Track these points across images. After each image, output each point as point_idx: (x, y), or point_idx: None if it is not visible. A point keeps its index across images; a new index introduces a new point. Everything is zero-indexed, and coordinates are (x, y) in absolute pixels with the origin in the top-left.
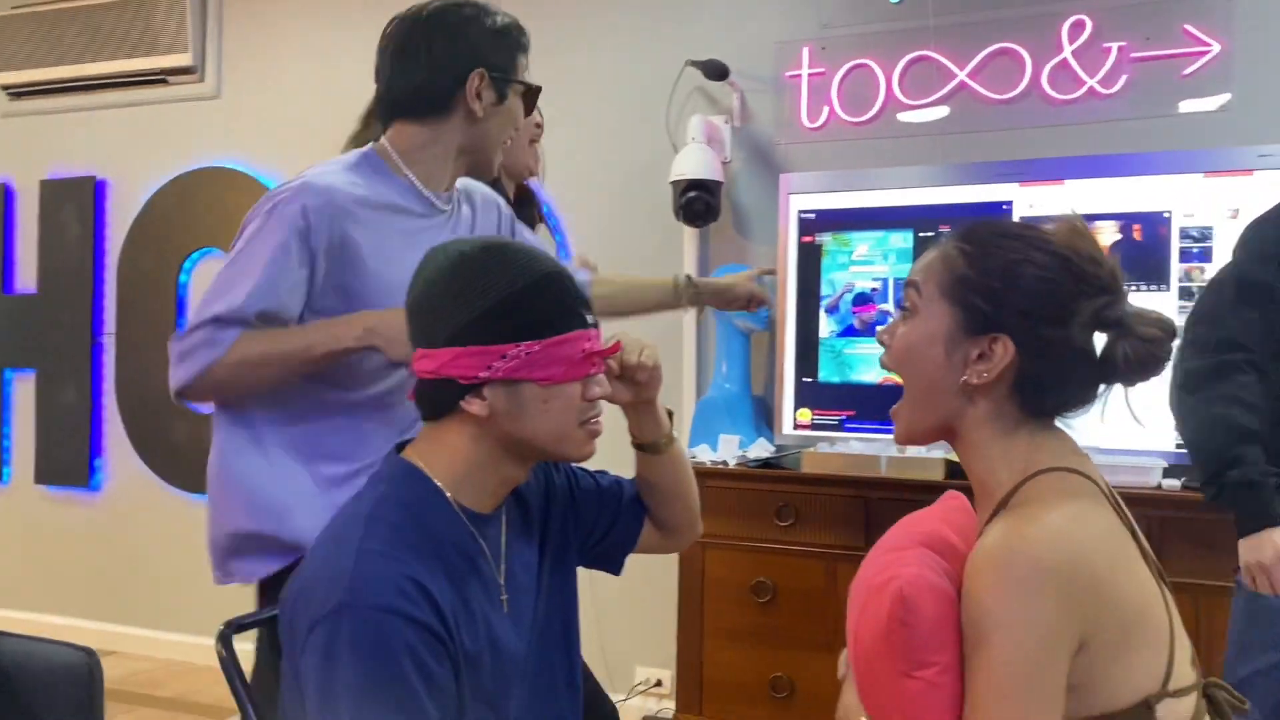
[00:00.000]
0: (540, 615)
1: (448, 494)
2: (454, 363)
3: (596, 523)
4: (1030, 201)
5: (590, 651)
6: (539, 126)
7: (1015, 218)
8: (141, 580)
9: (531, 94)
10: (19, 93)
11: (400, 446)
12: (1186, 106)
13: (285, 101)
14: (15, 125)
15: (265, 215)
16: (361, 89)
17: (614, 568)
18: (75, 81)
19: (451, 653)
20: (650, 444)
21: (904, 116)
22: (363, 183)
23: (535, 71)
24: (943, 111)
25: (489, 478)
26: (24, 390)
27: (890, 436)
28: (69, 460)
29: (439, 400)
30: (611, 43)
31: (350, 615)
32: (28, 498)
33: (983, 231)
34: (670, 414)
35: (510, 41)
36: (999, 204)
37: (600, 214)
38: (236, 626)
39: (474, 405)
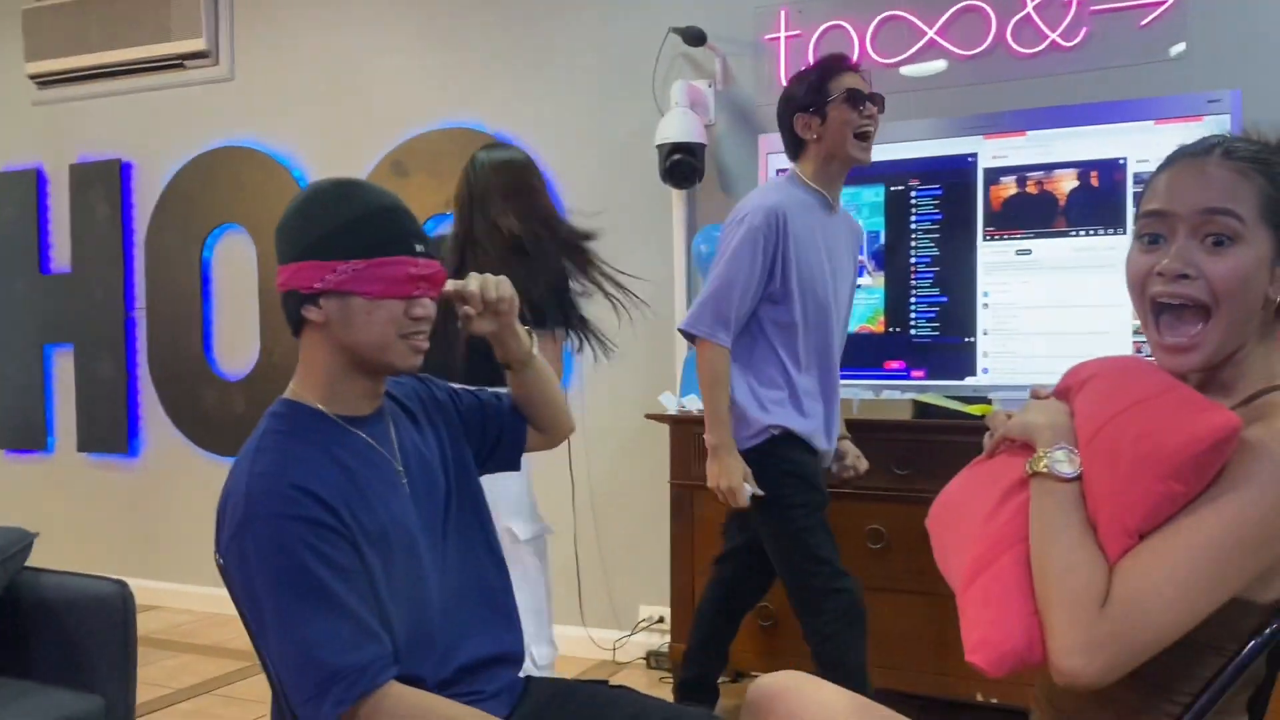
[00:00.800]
0: (453, 494)
1: (322, 408)
2: (296, 275)
3: (486, 431)
4: (993, 153)
5: (597, 592)
6: (868, 119)
7: (980, 169)
8: (178, 539)
9: (851, 97)
10: (46, 81)
11: None
12: (1142, 56)
13: (295, 81)
14: (44, 113)
15: (738, 226)
16: (364, 65)
17: (513, 466)
18: (98, 69)
19: (348, 535)
20: (516, 362)
21: (905, 71)
22: (789, 191)
23: (521, 43)
24: (939, 66)
25: (349, 387)
26: (64, 364)
27: (865, 382)
28: (108, 429)
29: (288, 310)
30: (597, 12)
31: (250, 528)
32: (71, 465)
33: (1262, 151)
34: (530, 334)
35: (816, 80)
36: (965, 156)
37: (592, 179)
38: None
39: (312, 313)
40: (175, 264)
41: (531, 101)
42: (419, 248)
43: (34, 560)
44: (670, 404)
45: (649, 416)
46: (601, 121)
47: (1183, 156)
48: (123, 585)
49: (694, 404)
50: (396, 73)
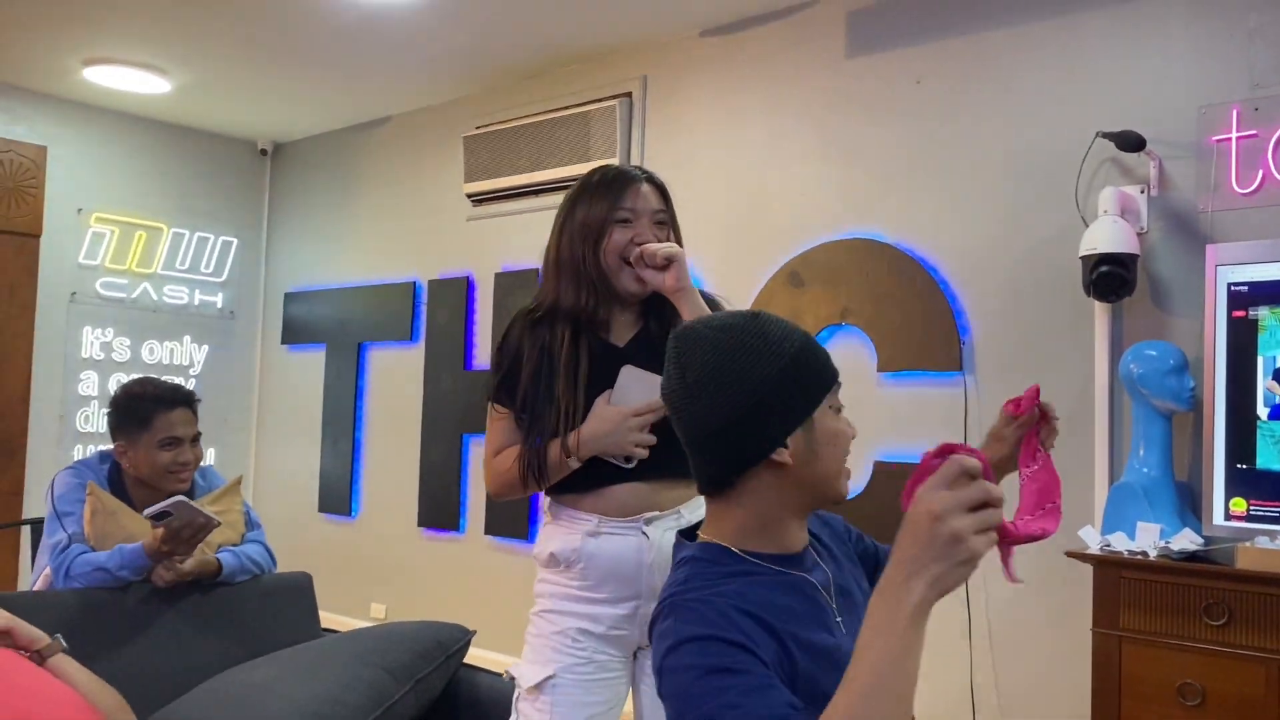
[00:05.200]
0: None
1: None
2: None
3: (863, 566)
4: None
5: None
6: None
7: None
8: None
9: None
10: (480, 199)
11: (688, 533)
12: None
13: (697, 193)
14: (476, 227)
15: None
16: (765, 178)
17: None
18: (523, 188)
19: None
20: None
21: None
22: None
23: (923, 152)
24: None
25: (785, 528)
26: (478, 454)
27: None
28: (511, 515)
29: (740, 459)
30: (1008, 118)
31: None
32: (479, 547)
33: None
34: None
35: None
36: None
37: (1003, 290)
38: None
39: (782, 455)
40: None
41: (934, 210)
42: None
43: None
44: (1091, 540)
45: (1069, 554)
46: (1013, 231)
47: None
48: None
49: (1121, 543)
50: (795, 184)
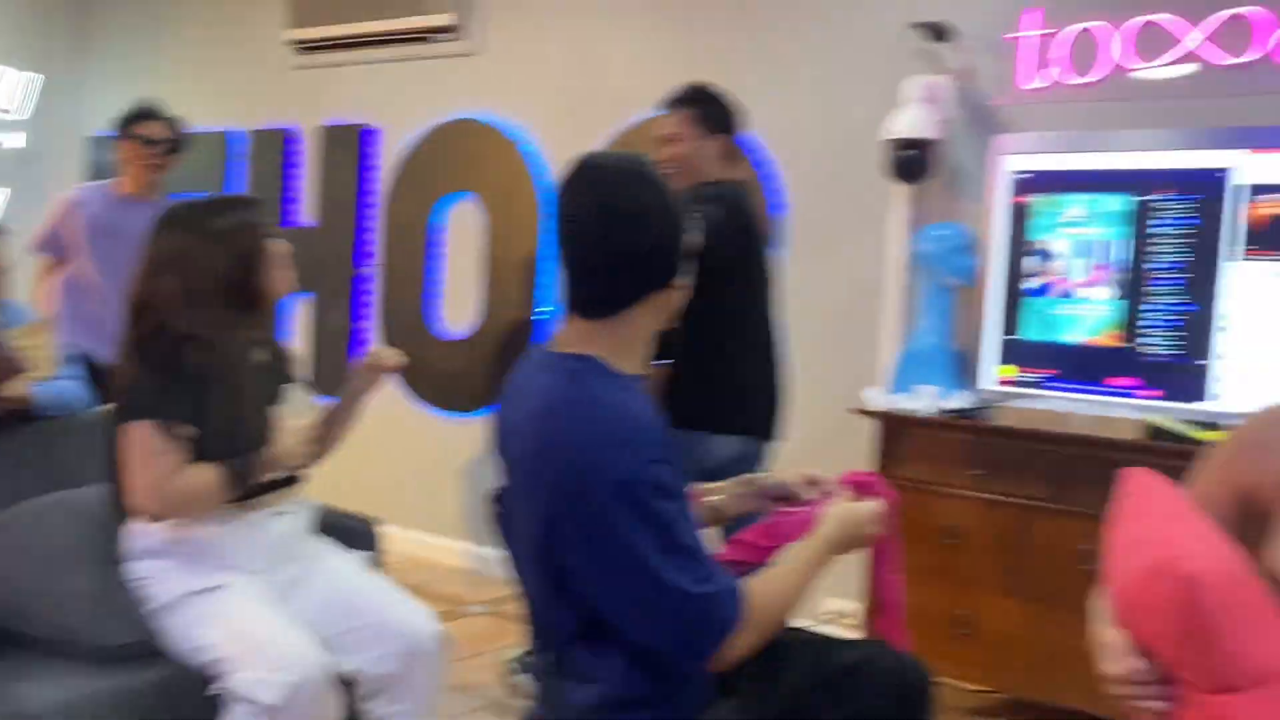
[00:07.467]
0: None
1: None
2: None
3: None
4: (1259, 169)
5: None
6: None
7: (1231, 185)
8: (385, 481)
9: None
10: (306, 48)
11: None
12: None
13: (537, 60)
14: (301, 77)
15: None
16: (603, 47)
17: None
18: (352, 38)
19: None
20: None
21: (1137, 76)
22: None
23: (757, 34)
24: (1179, 71)
25: (644, 353)
26: (304, 312)
27: (1094, 396)
28: (336, 373)
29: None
30: (833, 3)
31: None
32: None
33: None
34: None
35: None
36: (1215, 171)
37: (813, 171)
38: None
39: (680, 283)
40: (407, 227)
41: (761, 90)
42: None
43: None
44: (875, 400)
45: (852, 411)
46: (828, 113)
47: None
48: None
49: (902, 402)
50: (634, 56)
